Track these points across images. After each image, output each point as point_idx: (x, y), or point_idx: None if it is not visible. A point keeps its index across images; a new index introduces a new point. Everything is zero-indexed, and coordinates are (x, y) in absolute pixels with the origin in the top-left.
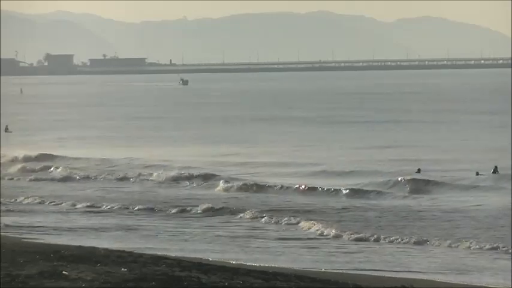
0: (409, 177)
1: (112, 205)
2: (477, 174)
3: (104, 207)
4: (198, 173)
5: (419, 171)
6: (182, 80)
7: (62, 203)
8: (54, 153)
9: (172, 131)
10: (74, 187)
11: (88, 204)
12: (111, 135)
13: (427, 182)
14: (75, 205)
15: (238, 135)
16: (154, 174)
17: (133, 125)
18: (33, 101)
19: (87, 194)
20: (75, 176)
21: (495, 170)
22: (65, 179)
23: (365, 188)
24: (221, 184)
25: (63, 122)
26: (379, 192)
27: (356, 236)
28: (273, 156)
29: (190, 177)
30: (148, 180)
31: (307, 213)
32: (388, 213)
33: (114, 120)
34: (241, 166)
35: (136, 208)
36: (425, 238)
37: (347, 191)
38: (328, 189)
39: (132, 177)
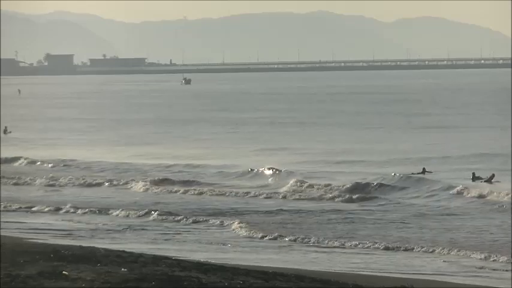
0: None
1: None
2: (473, 175)
3: None
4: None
5: (423, 171)
6: (185, 79)
7: None
8: (32, 155)
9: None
10: None
11: None
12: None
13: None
14: None
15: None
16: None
17: (130, 126)
18: (32, 102)
19: None
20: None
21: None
22: None
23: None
24: (138, 184)
25: (61, 123)
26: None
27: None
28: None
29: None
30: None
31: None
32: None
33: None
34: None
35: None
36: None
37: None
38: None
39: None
